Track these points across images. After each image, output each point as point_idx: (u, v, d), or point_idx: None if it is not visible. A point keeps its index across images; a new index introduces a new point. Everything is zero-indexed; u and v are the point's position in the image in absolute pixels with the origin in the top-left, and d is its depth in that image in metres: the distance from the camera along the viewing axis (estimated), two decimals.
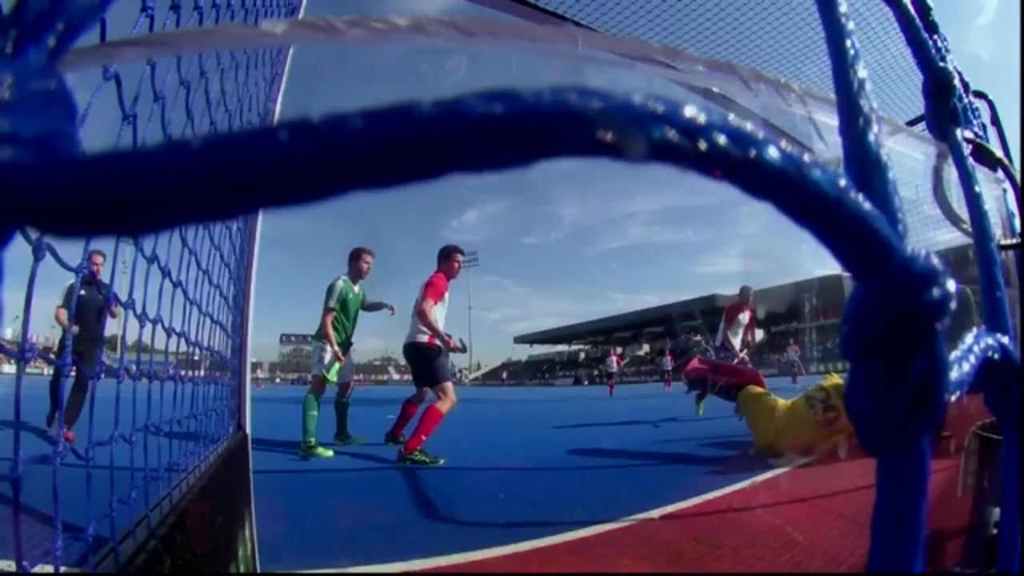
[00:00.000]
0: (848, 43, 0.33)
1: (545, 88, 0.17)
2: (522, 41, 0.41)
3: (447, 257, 5.54)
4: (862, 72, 0.32)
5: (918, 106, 4.14)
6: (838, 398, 4.54)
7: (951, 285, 0.24)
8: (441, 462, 4.73)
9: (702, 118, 0.18)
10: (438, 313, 5.37)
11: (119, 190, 0.16)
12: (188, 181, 0.16)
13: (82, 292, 3.98)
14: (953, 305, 0.24)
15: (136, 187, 0.16)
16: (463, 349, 5.68)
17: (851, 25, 0.34)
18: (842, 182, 0.21)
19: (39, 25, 0.22)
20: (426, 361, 5.34)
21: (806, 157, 0.20)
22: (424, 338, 5.32)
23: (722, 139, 0.18)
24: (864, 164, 0.29)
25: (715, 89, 0.50)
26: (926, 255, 0.24)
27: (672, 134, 0.17)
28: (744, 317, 8.12)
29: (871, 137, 0.30)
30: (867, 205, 0.22)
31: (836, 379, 4.84)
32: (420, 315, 5.29)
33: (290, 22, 0.36)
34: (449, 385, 5.26)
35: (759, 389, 5.47)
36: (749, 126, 0.19)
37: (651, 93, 0.17)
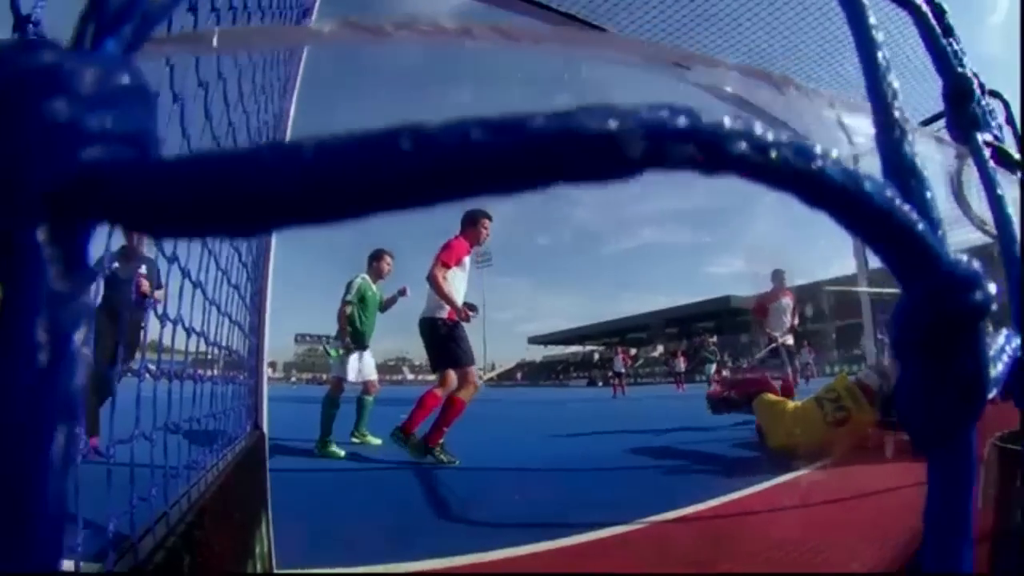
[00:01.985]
0: (880, 54, 0.34)
1: (642, 105, 0.18)
2: (565, 47, 0.42)
3: (473, 222, 4.86)
4: (895, 82, 0.33)
5: (928, 107, 4.11)
6: (849, 398, 4.51)
7: (992, 288, 0.26)
8: (456, 463, 4.52)
9: (772, 135, 0.19)
10: (456, 281, 4.76)
11: (231, 193, 0.16)
12: (301, 187, 0.16)
13: (115, 265, 3.37)
14: (994, 306, 0.26)
15: (246, 191, 0.16)
16: (468, 319, 4.90)
17: (881, 36, 0.34)
18: (891, 193, 0.22)
19: (119, 17, 0.22)
20: (444, 340, 4.75)
21: (861, 170, 0.21)
22: (444, 313, 4.73)
23: (791, 153, 0.19)
24: (903, 173, 0.30)
25: (733, 93, 0.50)
26: (968, 260, 0.26)
27: (750, 149, 0.19)
28: (785, 302, 7.40)
29: (907, 147, 0.31)
30: (915, 215, 0.23)
31: (846, 380, 4.79)
32: (430, 280, 4.65)
33: (339, 22, 0.37)
34: (472, 370, 4.81)
35: (772, 396, 5.47)
36: (811, 141, 0.20)
37: (734, 112, 0.19)
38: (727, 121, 0.19)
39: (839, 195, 0.20)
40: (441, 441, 4.58)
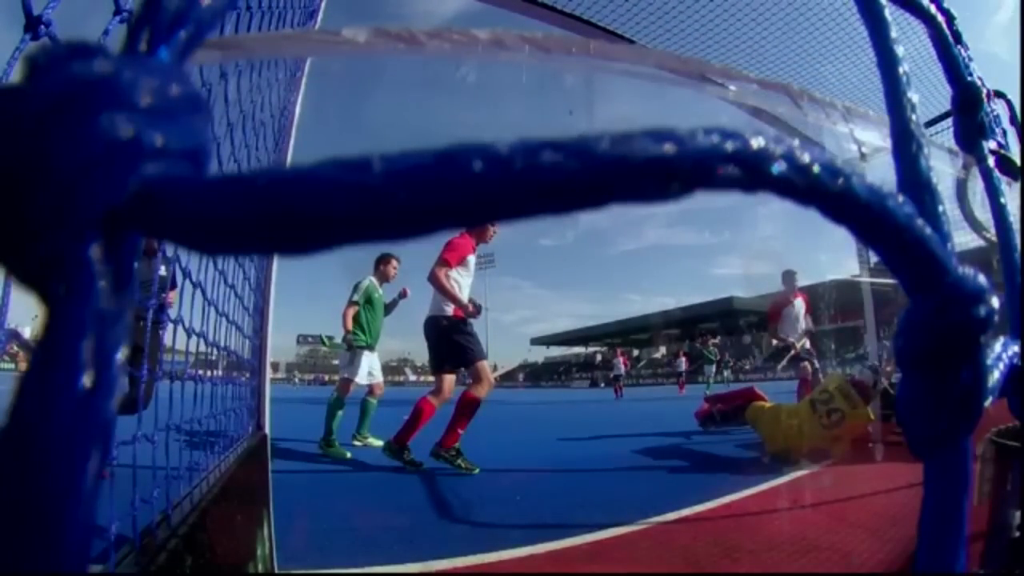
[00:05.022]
0: (900, 70, 0.35)
1: (697, 129, 0.18)
2: (595, 59, 0.42)
3: None
4: (914, 98, 0.33)
5: (927, 110, 4.09)
6: (841, 399, 4.51)
7: (995, 302, 0.26)
8: (476, 471, 4.24)
9: (808, 155, 0.20)
10: (460, 280, 4.56)
11: (296, 212, 0.16)
12: (370, 207, 0.16)
13: (135, 265, 3.20)
14: (996, 319, 0.26)
15: (311, 210, 0.16)
16: (475, 314, 4.67)
17: (901, 51, 0.35)
18: (910, 210, 0.22)
19: (174, 23, 0.21)
20: (453, 337, 4.51)
21: (884, 187, 0.22)
22: (450, 311, 4.52)
23: (823, 173, 0.20)
24: (917, 187, 0.31)
25: (760, 106, 0.51)
26: (975, 274, 0.26)
27: (789, 171, 0.20)
28: (798, 304, 7.06)
29: (923, 161, 0.32)
30: (928, 230, 0.23)
31: (839, 379, 4.78)
32: (432, 280, 4.46)
33: (372, 31, 0.37)
34: (485, 364, 4.57)
35: (762, 404, 5.50)
36: (838, 158, 0.21)
37: (775, 134, 0.20)
38: (770, 144, 0.19)
39: (863, 212, 0.21)
40: (457, 445, 4.31)
